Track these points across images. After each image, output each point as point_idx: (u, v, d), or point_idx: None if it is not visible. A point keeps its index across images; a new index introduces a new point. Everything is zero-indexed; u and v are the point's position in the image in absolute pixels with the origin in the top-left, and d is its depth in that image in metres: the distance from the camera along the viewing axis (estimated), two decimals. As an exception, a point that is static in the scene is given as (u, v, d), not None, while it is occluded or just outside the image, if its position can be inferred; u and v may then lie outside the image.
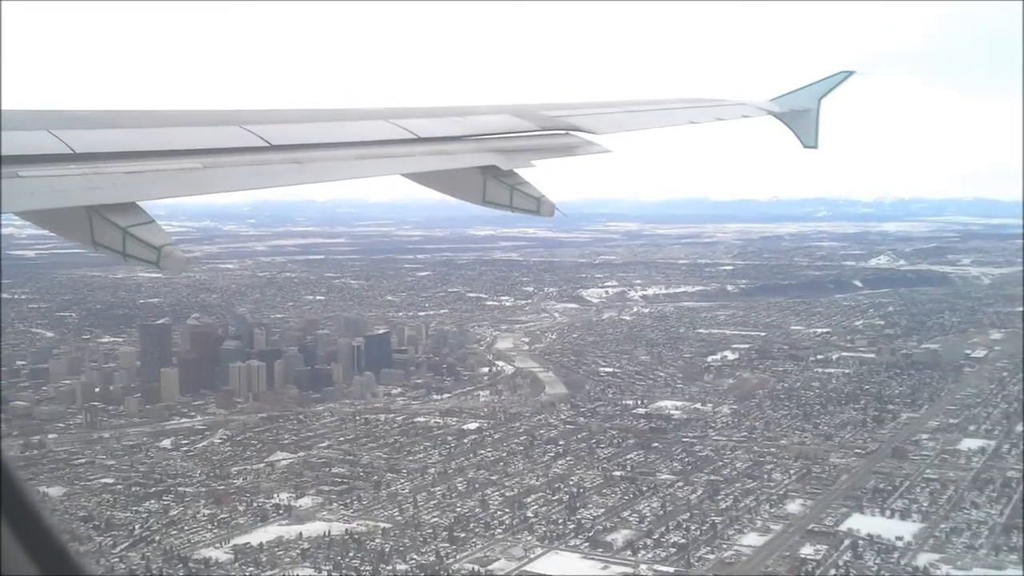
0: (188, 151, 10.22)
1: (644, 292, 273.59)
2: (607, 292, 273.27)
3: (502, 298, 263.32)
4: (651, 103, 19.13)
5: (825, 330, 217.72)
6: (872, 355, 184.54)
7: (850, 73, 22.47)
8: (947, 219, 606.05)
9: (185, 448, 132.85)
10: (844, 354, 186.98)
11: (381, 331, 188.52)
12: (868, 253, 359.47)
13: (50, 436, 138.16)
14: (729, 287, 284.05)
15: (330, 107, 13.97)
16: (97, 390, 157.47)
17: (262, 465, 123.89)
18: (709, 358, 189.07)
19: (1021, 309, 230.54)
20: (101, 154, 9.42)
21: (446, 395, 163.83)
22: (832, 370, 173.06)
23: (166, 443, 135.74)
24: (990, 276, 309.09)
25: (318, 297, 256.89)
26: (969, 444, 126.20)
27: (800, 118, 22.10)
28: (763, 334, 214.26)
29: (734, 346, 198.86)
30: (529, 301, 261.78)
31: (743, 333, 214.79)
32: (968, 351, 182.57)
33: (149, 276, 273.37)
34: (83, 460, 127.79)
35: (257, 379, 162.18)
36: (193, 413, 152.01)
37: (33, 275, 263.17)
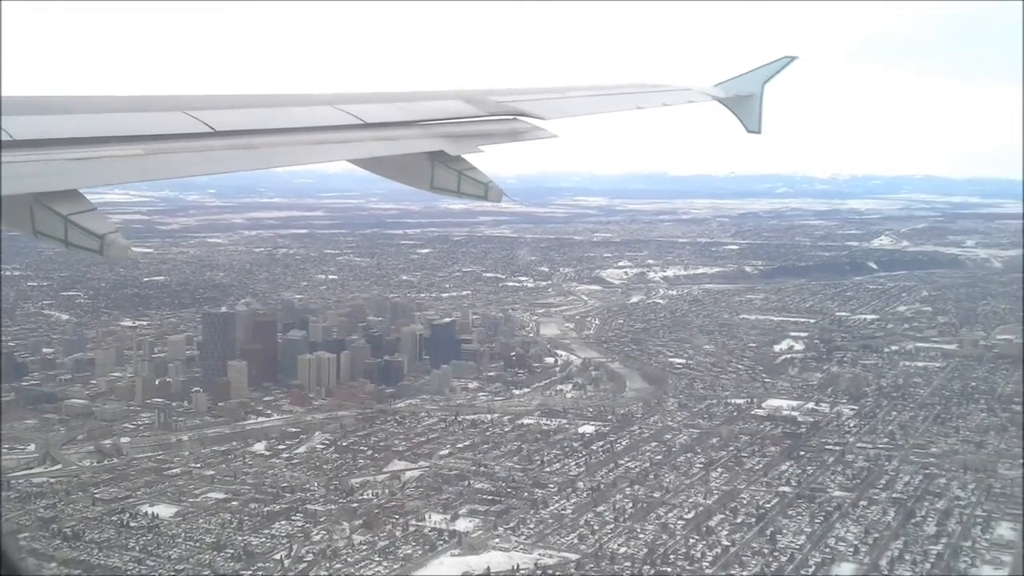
0: (131, 137, 10.01)
1: (664, 273, 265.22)
2: (626, 273, 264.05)
3: (520, 279, 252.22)
4: (598, 88, 19.13)
5: (874, 316, 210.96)
6: (952, 346, 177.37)
7: (792, 58, 22.41)
8: (907, 196, 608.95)
9: (286, 455, 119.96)
10: (920, 345, 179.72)
11: (446, 320, 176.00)
12: (866, 233, 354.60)
13: (123, 440, 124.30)
14: (747, 268, 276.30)
15: (274, 92, 13.41)
16: (157, 383, 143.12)
17: (385, 477, 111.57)
18: (776, 348, 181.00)
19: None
20: (42, 141, 9.21)
21: (525, 390, 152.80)
22: (921, 363, 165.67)
23: (259, 447, 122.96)
24: (999, 258, 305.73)
25: (331, 276, 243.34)
26: None
27: (744, 103, 22.13)
28: (812, 320, 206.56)
29: (792, 334, 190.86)
30: (549, 282, 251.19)
31: (792, 320, 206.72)
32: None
33: (143, 251, 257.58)
34: (176, 470, 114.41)
35: (327, 372, 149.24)
36: (269, 411, 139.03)
37: (19, 249, 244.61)
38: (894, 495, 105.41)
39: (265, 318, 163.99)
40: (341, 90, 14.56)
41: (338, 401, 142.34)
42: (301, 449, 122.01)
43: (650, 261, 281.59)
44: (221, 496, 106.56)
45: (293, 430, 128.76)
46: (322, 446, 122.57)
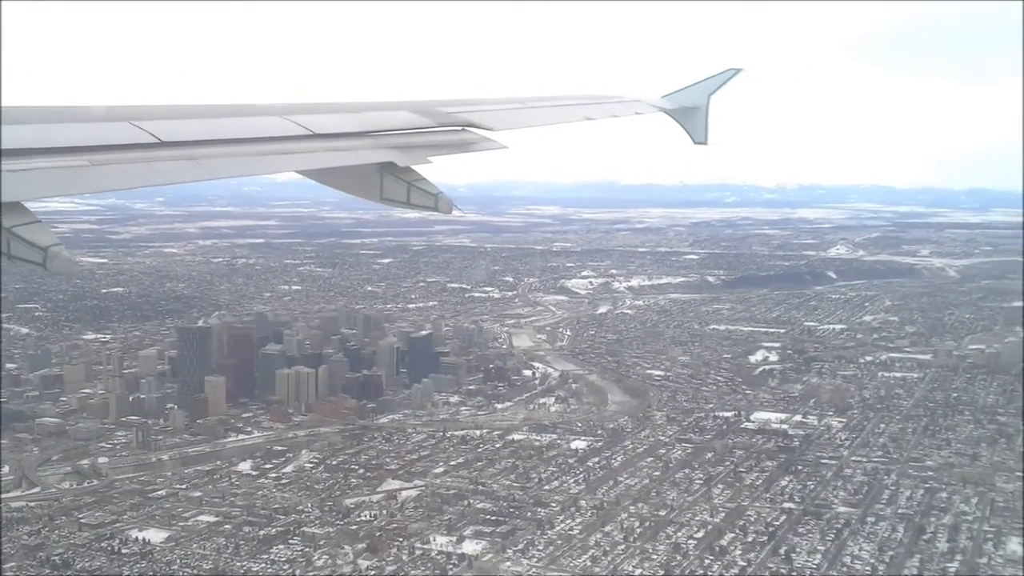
0: (75, 148, 9.90)
1: (628, 283, 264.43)
2: (591, 283, 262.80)
3: (486, 289, 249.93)
4: (547, 99, 19.18)
5: (842, 326, 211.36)
6: (927, 356, 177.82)
7: (737, 71, 22.59)
8: (854, 205, 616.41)
9: (274, 475, 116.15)
10: (893, 355, 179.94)
11: (424, 333, 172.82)
12: (821, 243, 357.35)
13: (101, 460, 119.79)
14: (710, 278, 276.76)
15: (222, 103, 13.12)
16: (131, 400, 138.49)
17: (381, 497, 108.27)
18: (751, 358, 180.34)
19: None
20: None
21: (508, 404, 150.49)
22: (899, 374, 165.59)
23: (245, 467, 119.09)
24: (954, 268, 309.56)
25: (294, 287, 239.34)
26: None
27: (690, 115, 22.32)
28: (782, 331, 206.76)
29: (764, 344, 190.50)
30: (514, 292, 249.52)
31: (762, 330, 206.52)
32: (1021, 354, 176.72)
33: (98, 262, 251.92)
34: (162, 492, 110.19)
35: (307, 387, 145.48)
36: (249, 428, 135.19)
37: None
38: (900, 511, 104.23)
39: (241, 332, 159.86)
40: (292, 99, 14.25)
41: (319, 417, 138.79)
42: (289, 468, 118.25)
43: (613, 271, 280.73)
44: (212, 519, 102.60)
45: (279, 448, 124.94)
46: (311, 465, 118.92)
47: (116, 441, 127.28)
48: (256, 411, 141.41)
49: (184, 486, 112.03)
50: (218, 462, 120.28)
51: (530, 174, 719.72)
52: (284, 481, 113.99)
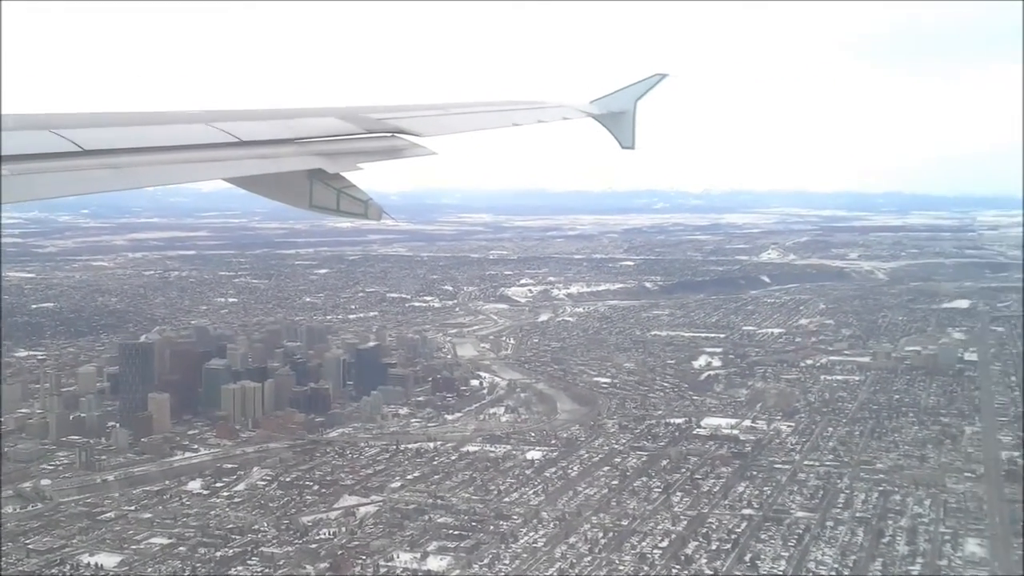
0: None
1: (568, 291, 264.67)
2: (530, 291, 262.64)
3: (426, 298, 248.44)
4: (475, 105, 19.19)
5: (781, 330, 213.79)
6: (866, 359, 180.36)
7: (664, 76, 22.67)
8: (779, 210, 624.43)
9: (226, 493, 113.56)
10: (833, 358, 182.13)
11: (370, 344, 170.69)
12: (753, 247, 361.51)
13: (44, 482, 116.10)
14: (647, 284, 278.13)
15: (146, 111, 13.08)
16: (71, 419, 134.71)
17: (339, 513, 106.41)
18: (695, 364, 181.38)
19: (956, 305, 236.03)
20: None
21: (458, 414, 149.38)
22: (840, 377, 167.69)
23: (195, 486, 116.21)
24: (882, 270, 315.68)
25: (231, 299, 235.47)
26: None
27: (618, 119, 22.42)
28: (722, 336, 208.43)
29: (706, 350, 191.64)
30: (455, 301, 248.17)
31: (703, 335, 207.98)
32: (959, 354, 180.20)
33: (25, 276, 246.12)
34: (110, 514, 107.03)
35: (253, 402, 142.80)
36: (195, 446, 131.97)
37: None
38: (857, 514, 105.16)
39: (183, 347, 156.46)
40: (214, 106, 13.98)
41: (267, 432, 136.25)
42: (240, 487, 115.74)
43: (551, 278, 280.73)
44: (165, 541, 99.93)
45: (229, 466, 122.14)
46: (263, 482, 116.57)
47: (58, 462, 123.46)
48: (202, 428, 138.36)
49: (133, 507, 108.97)
50: (167, 481, 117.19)
51: (459, 181, 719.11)
52: (237, 499, 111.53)
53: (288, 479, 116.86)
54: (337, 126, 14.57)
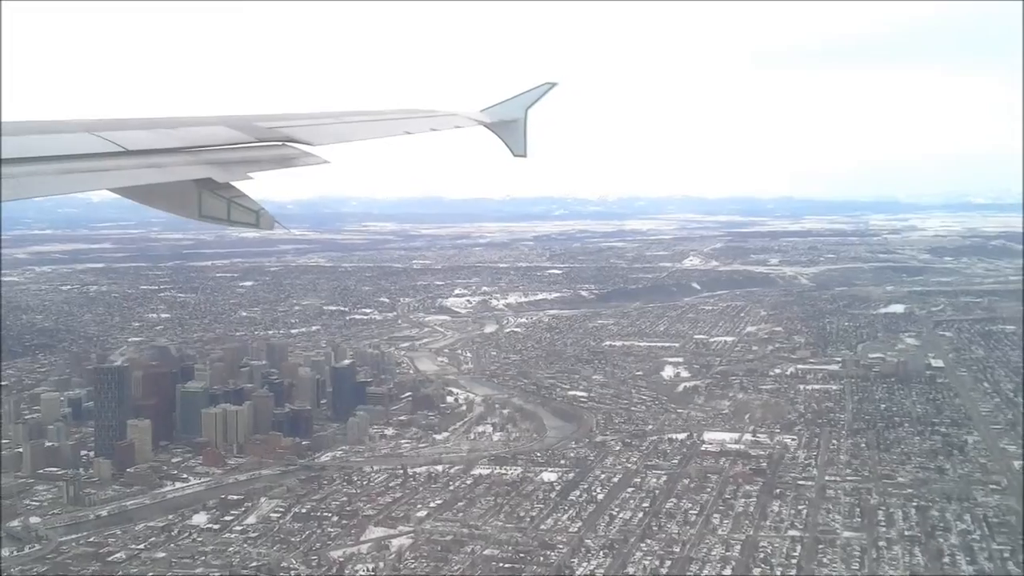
0: None
1: (506, 301, 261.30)
2: (469, 302, 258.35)
3: (365, 311, 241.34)
4: (366, 114, 19.20)
5: (732, 338, 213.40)
6: (834, 367, 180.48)
7: (553, 84, 22.97)
8: (676, 216, 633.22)
9: (238, 528, 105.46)
10: (800, 367, 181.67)
11: (346, 363, 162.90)
12: (673, 254, 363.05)
13: (33, 520, 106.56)
14: (583, 293, 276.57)
15: (27, 120, 12.69)
16: (46, 448, 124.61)
17: (370, 547, 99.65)
18: (663, 375, 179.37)
19: (893, 310, 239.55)
20: None
21: (446, 434, 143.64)
22: (817, 386, 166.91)
23: (201, 520, 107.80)
24: (805, 275, 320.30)
25: (163, 315, 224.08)
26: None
27: (509, 128, 22.56)
28: (677, 345, 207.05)
29: (669, 360, 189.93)
30: (395, 313, 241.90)
31: (658, 345, 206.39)
32: (926, 361, 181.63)
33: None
34: (120, 554, 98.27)
35: (235, 426, 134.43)
36: (185, 475, 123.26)
37: None
38: (906, 533, 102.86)
39: (154, 369, 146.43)
40: (98, 116, 13.33)
41: (256, 458, 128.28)
42: (252, 519, 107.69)
43: (486, 288, 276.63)
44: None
45: (234, 497, 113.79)
46: (276, 514, 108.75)
47: (42, 498, 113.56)
48: (184, 455, 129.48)
49: (143, 546, 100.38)
50: (169, 516, 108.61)
51: (353, 190, 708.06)
52: (253, 534, 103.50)
53: (303, 510, 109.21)
54: (226, 135, 14.25)
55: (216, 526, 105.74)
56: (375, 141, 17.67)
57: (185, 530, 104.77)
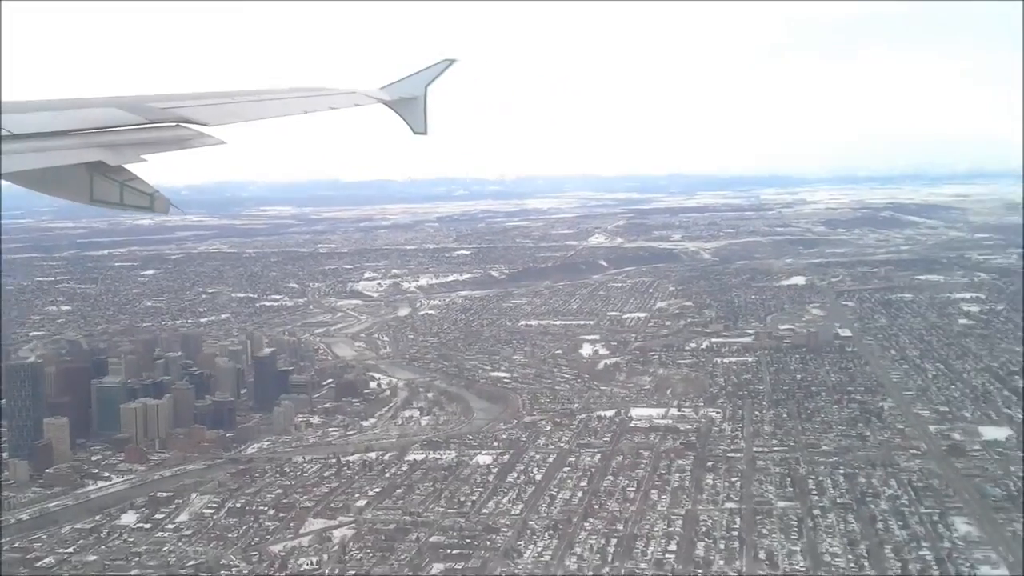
0: None
1: (418, 283, 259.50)
2: (380, 285, 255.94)
3: (274, 297, 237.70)
4: (263, 93, 18.76)
5: (644, 314, 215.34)
6: (748, 340, 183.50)
7: (452, 61, 22.93)
8: (575, 194, 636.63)
9: (170, 526, 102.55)
10: (715, 340, 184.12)
11: (267, 351, 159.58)
12: (579, 232, 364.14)
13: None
14: (493, 273, 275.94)
15: None
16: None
17: (311, 539, 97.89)
18: (583, 353, 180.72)
19: (795, 282, 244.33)
20: None
21: (372, 420, 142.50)
22: (734, 359, 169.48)
23: (130, 519, 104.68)
24: (706, 250, 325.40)
25: (63, 307, 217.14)
26: (990, 432, 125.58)
27: (409, 105, 22.45)
28: (591, 322, 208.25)
29: (585, 338, 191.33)
30: (305, 299, 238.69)
31: (573, 323, 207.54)
32: (834, 330, 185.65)
33: None
34: (49, 559, 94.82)
35: (155, 421, 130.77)
36: (107, 474, 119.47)
37: None
38: (839, 500, 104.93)
39: (70, 365, 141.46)
40: None
41: (180, 453, 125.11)
42: (184, 516, 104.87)
43: (395, 271, 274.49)
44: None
45: (164, 494, 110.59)
46: (210, 510, 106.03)
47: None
48: (104, 453, 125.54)
49: (71, 549, 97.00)
50: (96, 516, 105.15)
51: (249, 174, 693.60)
52: (187, 532, 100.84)
53: (237, 505, 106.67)
54: (118, 116, 13.76)
55: (147, 525, 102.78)
56: (273, 120, 17.27)
57: (115, 531, 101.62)
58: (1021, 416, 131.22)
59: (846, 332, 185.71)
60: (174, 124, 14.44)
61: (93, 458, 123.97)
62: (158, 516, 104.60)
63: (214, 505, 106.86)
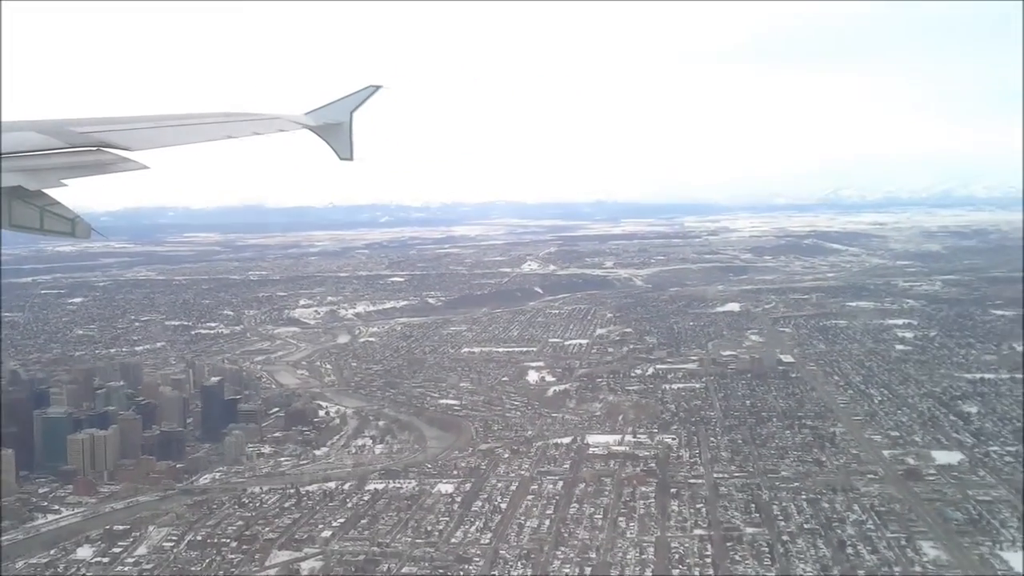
0: None
1: (355, 310, 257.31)
2: (317, 312, 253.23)
3: (210, 325, 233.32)
4: (186, 118, 18.80)
5: (586, 341, 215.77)
6: (692, 366, 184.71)
7: (378, 87, 23.12)
8: (500, 221, 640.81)
9: (130, 560, 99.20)
10: (660, 367, 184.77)
11: (214, 380, 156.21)
12: (511, 259, 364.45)
13: None
14: (430, 300, 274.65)
15: None
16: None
17: (276, 572, 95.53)
18: (529, 380, 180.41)
19: (729, 309, 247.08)
20: None
21: (325, 449, 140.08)
22: (680, 385, 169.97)
23: (86, 553, 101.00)
24: (639, 277, 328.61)
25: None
26: (943, 457, 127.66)
27: (335, 131, 22.50)
28: (534, 349, 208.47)
29: (530, 365, 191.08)
30: (242, 326, 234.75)
31: (516, 350, 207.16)
32: (776, 356, 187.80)
33: None
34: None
35: (104, 452, 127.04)
36: (56, 507, 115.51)
37: None
38: (806, 526, 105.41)
39: (14, 395, 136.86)
40: None
41: (131, 485, 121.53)
42: (142, 550, 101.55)
43: (331, 298, 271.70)
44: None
45: (119, 527, 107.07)
46: (169, 543, 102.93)
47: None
48: (51, 485, 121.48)
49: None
50: (50, 551, 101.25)
51: (169, 199, 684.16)
52: (148, 565, 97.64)
53: (197, 537, 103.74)
54: (37, 140, 13.66)
55: (105, 559, 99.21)
56: (197, 146, 17.06)
57: (72, 565, 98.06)
58: (970, 441, 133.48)
59: (788, 358, 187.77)
60: (95, 149, 14.24)
61: (40, 491, 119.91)
62: (115, 550, 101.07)
63: (173, 538, 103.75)
